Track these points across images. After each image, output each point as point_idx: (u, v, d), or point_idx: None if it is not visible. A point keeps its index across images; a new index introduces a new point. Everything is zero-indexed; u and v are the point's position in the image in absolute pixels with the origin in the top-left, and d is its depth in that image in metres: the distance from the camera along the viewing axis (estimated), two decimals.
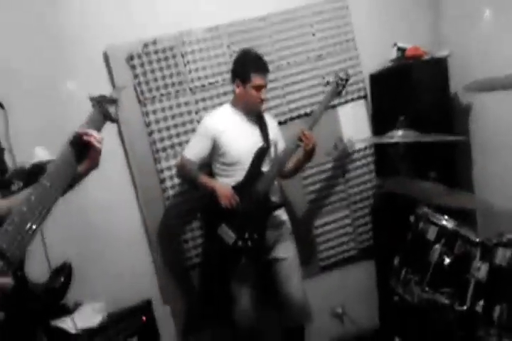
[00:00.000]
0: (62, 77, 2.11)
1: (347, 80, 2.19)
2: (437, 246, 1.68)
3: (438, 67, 2.35)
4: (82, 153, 1.00)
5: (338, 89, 2.17)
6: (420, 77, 2.35)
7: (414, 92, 2.33)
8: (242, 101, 2.07)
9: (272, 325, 2.20)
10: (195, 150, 2.04)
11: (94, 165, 1.05)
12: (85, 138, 1.00)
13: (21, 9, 2.01)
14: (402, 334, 1.83)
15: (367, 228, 2.61)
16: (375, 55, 2.57)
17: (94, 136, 1.01)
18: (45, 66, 2.05)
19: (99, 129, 1.11)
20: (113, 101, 1.20)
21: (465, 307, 1.57)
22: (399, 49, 2.45)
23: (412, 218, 1.85)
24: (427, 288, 1.66)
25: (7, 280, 0.73)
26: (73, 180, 0.99)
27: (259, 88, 2.01)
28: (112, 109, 1.19)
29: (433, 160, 2.14)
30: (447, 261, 1.66)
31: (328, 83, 2.52)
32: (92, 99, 1.17)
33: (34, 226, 0.81)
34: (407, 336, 1.82)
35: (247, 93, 2.02)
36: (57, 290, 0.86)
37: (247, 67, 2.02)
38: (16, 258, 0.78)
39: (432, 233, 1.73)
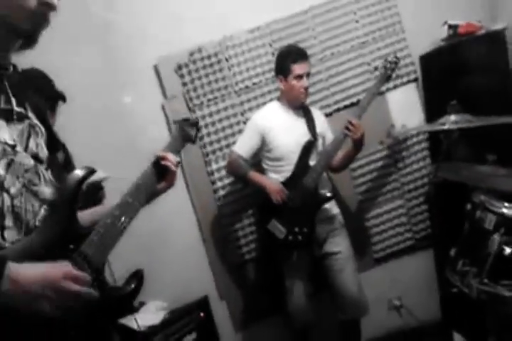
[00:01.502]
0: (117, 92, 2.25)
1: (396, 63, 2.12)
2: (496, 236, 1.60)
3: (495, 42, 2.15)
4: (161, 173, 1.10)
5: (387, 73, 2.11)
6: (475, 54, 2.19)
7: (469, 71, 2.18)
8: (287, 95, 2.10)
9: (327, 318, 2.20)
10: (245, 147, 2.10)
11: (170, 185, 1.14)
12: (163, 162, 1.09)
13: (72, 32, 2.14)
14: (463, 327, 1.76)
15: (423, 217, 2.52)
16: (424, 36, 2.45)
17: (170, 160, 1.09)
18: (98, 84, 2.19)
19: (178, 151, 1.21)
20: (193, 125, 1.30)
21: None
22: (450, 27, 2.30)
23: (468, 206, 1.77)
24: (486, 280, 1.59)
25: (94, 293, 0.83)
26: (151, 197, 1.09)
27: (300, 77, 2.03)
28: (192, 132, 1.29)
29: (491, 142, 1.99)
30: (508, 251, 1.57)
31: (376, 69, 2.45)
32: (175, 122, 1.27)
33: (116, 236, 0.95)
34: (467, 329, 1.75)
35: (290, 85, 2.04)
36: (128, 295, 0.96)
37: (286, 60, 2.05)
38: (100, 264, 0.91)
39: (489, 222, 1.64)
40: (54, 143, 1.02)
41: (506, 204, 1.62)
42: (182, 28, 2.32)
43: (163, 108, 2.35)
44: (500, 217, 1.60)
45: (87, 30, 2.19)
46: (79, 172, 0.92)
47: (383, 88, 2.38)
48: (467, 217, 1.75)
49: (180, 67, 2.33)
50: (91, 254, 0.89)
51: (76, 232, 0.91)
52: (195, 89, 2.34)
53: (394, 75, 2.16)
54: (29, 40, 0.88)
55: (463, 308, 1.80)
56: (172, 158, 1.10)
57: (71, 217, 0.91)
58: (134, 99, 2.27)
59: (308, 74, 2.07)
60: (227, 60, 2.37)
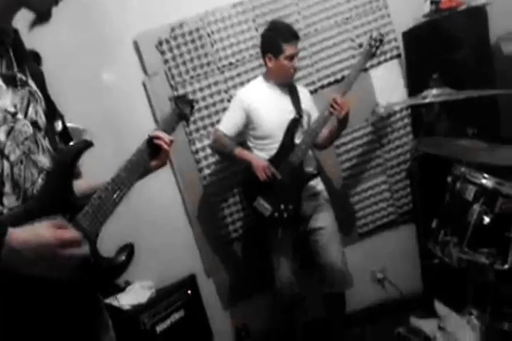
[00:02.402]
0: (96, 69, 2.21)
1: (381, 41, 2.10)
2: (476, 206, 1.64)
3: (476, 17, 2.17)
4: (156, 151, 1.12)
5: (372, 50, 2.10)
6: (456, 29, 2.19)
7: (451, 46, 2.19)
8: (274, 74, 2.08)
9: (313, 292, 2.23)
10: (229, 124, 2.07)
11: (163, 163, 1.16)
12: (155, 141, 1.11)
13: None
14: (444, 297, 1.83)
15: (405, 192, 2.57)
16: (407, 12, 2.44)
17: (163, 139, 1.11)
18: (77, 60, 2.13)
19: (173, 129, 1.21)
20: (189, 102, 1.30)
21: (506, 266, 1.54)
22: (432, 2, 2.30)
23: (449, 179, 1.81)
24: (466, 249, 1.64)
25: (85, 249, 0.86)
26: (144, 173, 1.11)
27: (291, 58, 2.01)
28: (187, 110, 1.28)
29: (471, 115, 2.02)
30: (487, 220, 1.62)
31: (360, 45, 2.44)
32: (170, 99, 1.26)
33: (110, 210, 0.97)
34: (448, 298, 1.81)
35: (280, 64, 2.02)
36: (120, 265, 0.98)
37: (277, 39, 2.00)
38: (93, 236, 0.93)
39: (470, 193, 1.68)
40: (52, 111, 1.02)
41: (486, 175, 1.66)
42: (163, 2, 2.26)
43: (144, 85, 2.30)
44: (480, 188, 1.65)
45: (66, 5, 2.10)
46: (76, 144, 0.94)
47: (367, 65, 2.38)
48: (448, 189, 1.79)
49: (161, 43, 2.27)
50: (85, 225, 0.91)
51: (72, 203, 0.93)
52: (177, 66, 2.29)
53: (378, 52, 2.16)
54: (43, 17, 0.93)
55: (444, 278, 1.86)
56: (165, 137, 1.12)
57: (67, 187, 0.93)
58: (115, 76, 2.22)
59: (297, 54, 2.05)
60: (209, 35, 2.32)
